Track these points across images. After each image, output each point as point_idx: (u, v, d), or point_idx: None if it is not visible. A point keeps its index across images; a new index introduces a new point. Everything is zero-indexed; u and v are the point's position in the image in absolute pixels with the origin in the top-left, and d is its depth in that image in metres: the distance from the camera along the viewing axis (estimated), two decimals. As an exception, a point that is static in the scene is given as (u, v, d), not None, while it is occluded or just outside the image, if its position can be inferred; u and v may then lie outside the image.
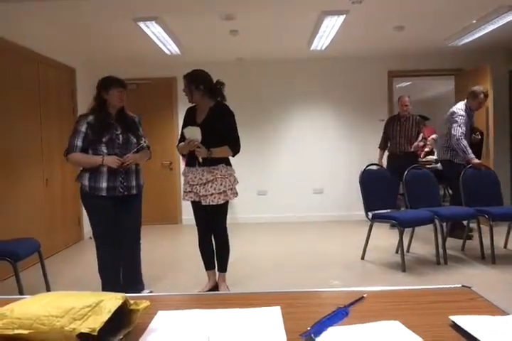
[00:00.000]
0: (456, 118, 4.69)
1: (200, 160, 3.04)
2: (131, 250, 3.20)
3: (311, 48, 5.58)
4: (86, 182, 2.96)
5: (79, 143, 2.95)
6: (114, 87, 3.03)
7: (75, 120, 5.26)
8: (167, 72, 6.28)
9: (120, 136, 3.04)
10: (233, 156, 3.19)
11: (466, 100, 4.83)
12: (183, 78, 3.19)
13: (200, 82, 3.12)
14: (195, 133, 3.01)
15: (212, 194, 3.09)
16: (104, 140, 2.96)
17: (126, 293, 0.89)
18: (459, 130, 4.63)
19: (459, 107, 4.79)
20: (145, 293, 3.15)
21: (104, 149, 2.97)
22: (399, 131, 5.46)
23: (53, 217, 4.81)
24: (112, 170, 2.96)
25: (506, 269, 3.78)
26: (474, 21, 4.74)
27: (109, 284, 3.05)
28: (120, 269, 3.15)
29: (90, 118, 2.96)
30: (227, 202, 3.20)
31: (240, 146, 3.18)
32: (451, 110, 4.85)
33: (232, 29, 4.82)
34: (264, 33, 5.05)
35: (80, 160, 3.00)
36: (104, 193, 2.96)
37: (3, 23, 3.99)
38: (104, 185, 2.96)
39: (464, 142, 4.61)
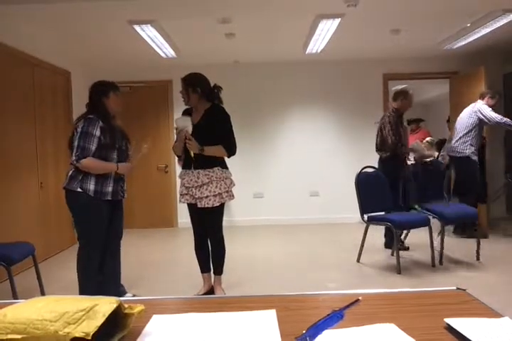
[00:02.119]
0: (486, 109, 4.89)
1: (192, 154, 3.03)
2: (117, 254, 3.19)
3: (307, 51, 5.60)
4: (91, 187, 2.85)
5: (93, 147, 2.82)
6: (113, 91, 3.02)
7: (70, 123, 5.31)
8: (162, 75, 6.28)
9: (123, 142, 3.06)
10: (228, 157, 3.20)
11: (484, 100, 5.00)
12: (180, 81, 3.20)
13: (197, 84, 3.13)
14: (185, 123, 3.03)
15: (207, 196, 3.09)
16: (117, 146, 2.94)
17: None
18: (494, 114, 4.86)
19: (483, 103, 4.98)
20: (128, 296, 3.12)
21: (115, 156, 2.95)
22: (403, 132, 4.79)
23: (48, 220, 4.79)
24: (117, 174, 2.96)
25: (501, 271, 3.79)
26: (469, 25, 4.77)
27: (91, 293, 2.89)
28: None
29: (100, 122, 2.86)
30: (222, 205, 3.19)
31: (235, 148, 3.18)
32: (476, 107, 4.98)
33: (228, 32, 4.83)
34: (260, 36, 5.06)
35: (96, 166, 2.86)
36: (109, 197, 2.93)
37: (-2, 25, 3.99)
38: (110, 189, 2.93)
39: (506, 119, 4.85)
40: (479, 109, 4.94)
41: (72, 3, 3.81)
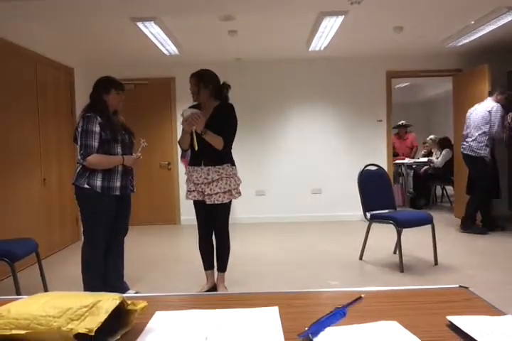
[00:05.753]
0: (497, 112, 5.02)
1: (196, 147, 2.98)
2: (121, 249, 3.22)
3: (310, 49, 5.58)
4: (98, 183, 2.89)
5: (96, 143, 2.86)
6: (114, 89, 3.02)
7: (73, 119, 5.32)
8: (165, 72, 6.28)
9: (126, 136, 3.07)
10: (219, 149, 3.11)
11: (495, 98, 5.11)
12: (191, 76, 3.16)
13: (208, 81, 3.12)
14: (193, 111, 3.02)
15: (217, 193, 3.09)
16: (119, 139, 2.97)
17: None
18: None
19: (493, 100, 5.10)
20: (131, 293, 3.13)
21: (119, 149, 2.97)
22: None
23: (51, 216, 4.80)
24: (125, 168, 2.98)
25: (504, 269, 3.79)
26: (473, 22, 4.74)
27: (96, 289, 2.90)
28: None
29: (99, 118, 2.89)
30: (230, 202, 3.21)
31: (228, 146, 3.13)
32: (491, 106, 5.04)
33: (231, 29, 4.82)
34: (263, 33, 5.04)
35: (103, 162, 2.90)
36: (117, 192, 2.96)
37: (1, 22, 3.98)
38: (118, 184, 2.96)
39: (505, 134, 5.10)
40: (494, 106, 5.00)
41: (75, 0, 3.81)
